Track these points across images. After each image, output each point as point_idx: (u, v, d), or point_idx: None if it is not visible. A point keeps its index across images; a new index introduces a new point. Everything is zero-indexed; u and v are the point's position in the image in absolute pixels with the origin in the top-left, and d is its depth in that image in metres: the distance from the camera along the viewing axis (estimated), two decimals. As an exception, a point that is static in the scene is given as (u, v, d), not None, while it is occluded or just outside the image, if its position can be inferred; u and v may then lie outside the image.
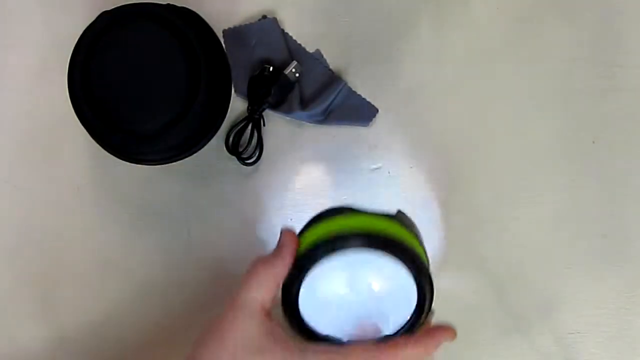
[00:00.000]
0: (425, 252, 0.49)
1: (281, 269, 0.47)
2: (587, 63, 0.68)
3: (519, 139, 0.68)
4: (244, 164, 0.67)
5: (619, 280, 0.66)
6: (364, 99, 0.68)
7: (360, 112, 0.68)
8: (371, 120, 0.68)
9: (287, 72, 0.66)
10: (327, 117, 0.67)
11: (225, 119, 0.65)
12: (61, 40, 0.63)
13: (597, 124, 0.67)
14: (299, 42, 0.68)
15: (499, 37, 0.69)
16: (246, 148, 0.67)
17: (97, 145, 0.62)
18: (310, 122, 0.68)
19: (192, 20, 0.62)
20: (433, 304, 0.48)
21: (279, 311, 0.48)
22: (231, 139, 0.67)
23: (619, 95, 0.67)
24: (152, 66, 0.59)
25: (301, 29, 0.69)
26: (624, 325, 0.65)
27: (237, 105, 0.68)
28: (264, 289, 0.47)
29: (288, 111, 0.67)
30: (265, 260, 0.48)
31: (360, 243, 0.46)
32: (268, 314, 0.48)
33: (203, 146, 0.64)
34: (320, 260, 0.46)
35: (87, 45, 0.60)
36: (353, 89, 0.68)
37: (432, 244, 0.65)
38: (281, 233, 0.49)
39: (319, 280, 0.47)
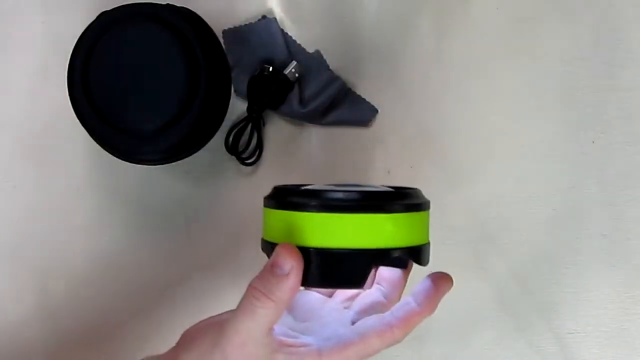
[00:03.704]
0: None
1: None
2: (587, 63, 0.68)
3: (519, 138, 0.68)
4: (243, 164, 0.67)
5: (619, 280, 0.66)
6: (363, 99, 0.68)
7: (360, 112, 0.68)
8: (371, 120, 0.68)
9: (287, 72, 0.66)
10: (327, 118, 0.67)
11: (225, 119, 0.65)
12: (61, 40, 0.63)
13: (597, 124, 0.67)
14: (298, 42, 0.68)
15: (499, 37, 0.68)
16: (246, 148, 0.67)
17: (97, 145, 0.62)
18: (310, 122, 0.68)
19: (192, 20, 0.61)
20: None
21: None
22: (231, 139, 0.67)
23: (619, 95, 0.67)
24: (152, 66, 0.59)
25: (301, 29, 0.69)
26: (624, 325, 0.65)
27: (237, 105, 0.68)
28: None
29: (288, 111, 0.67)
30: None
31: None
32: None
33: (203, 146, 0.64)
34: None
35: (87, 45, 0.60)
36: (353, 89, 0.68)
37: (431, 243, 0.65)
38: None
39: None
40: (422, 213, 0.48)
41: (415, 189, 0.49)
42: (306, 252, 0.44)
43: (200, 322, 0.49)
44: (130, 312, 0.67)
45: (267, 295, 0.44)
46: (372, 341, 0.46)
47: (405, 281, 0.51)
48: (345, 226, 0.44)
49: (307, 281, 0.45)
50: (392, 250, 0.45)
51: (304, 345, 0.45)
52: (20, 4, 0.70)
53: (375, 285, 0.51)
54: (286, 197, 0.47)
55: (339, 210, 0.44)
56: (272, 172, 0.68)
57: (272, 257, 0.45)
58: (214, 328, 0.47)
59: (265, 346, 0.44)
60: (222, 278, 0.67)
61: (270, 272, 0.44)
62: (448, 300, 0.65)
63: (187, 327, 0.50)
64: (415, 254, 0.47)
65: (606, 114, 0.67)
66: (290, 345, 0.45)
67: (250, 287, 0.45)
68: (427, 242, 0.49)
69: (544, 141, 0.67)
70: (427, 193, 0.67)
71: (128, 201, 0.68)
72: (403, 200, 0.47)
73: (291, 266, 0.44)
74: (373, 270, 0.49)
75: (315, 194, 0.46)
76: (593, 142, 0.67)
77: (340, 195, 0.45)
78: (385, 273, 0.51)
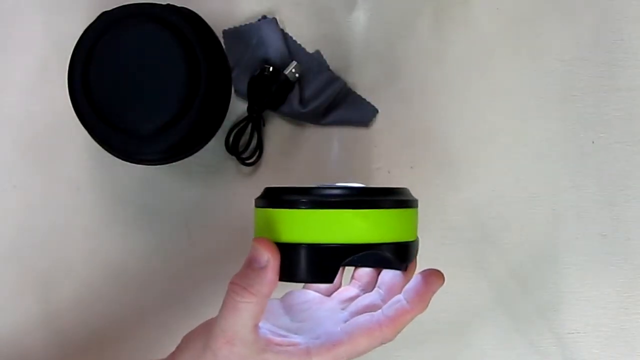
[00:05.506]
0: None
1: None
2: (587, 63, 0.68)
3: (519, 138, 0.68)
4: (243, 164, 0.67)
5: (618, 280, 0.66)
6: (364, 99, 0.68)
7: (360, 112, 0.68)
8: (371, 120, 0.68)
9: (287, 72, 0.66)
10: (327, 118, 0.67)
11: (225, 119, 0.65)
12: (61, 40, 0.63)
13: (597, 124, 0.67)
14: (299, 42, 0.68)
15: (499, 37, 0.69)
16: (246, 148, 0.67)
17: (97, 145, 0.62)
18: (310, 123, 0.68)
19: (192, 21, 0.61)
20: None
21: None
22: (231, 139, 0.67)
23: (619, 95, 0.67)
24: (152, 66, 0.59)
25: (301, 29, 0.69)
26: (624, 325, 0.66)
27: (237, 105, 0.68)
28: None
29: (288, 111, 0.67)
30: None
31: None
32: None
33: (203, 146, 0.64)
34: None
35: (87, 45, 0.60)
36: (353, 89, 0.68)
37: (431, 243, 0.65)
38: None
39: None
40: (387, 211, 0.47)
41: (397, 188, 0.49)
42: (280, 247, 0.46)
43: (199, 325, 0.49)
44: (130, 312, 0.67)
45: (247, 289, 0.45)
46: (360, 340, 0.46)
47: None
48: (306, 222, 0.46)
49: (281, 275, 0.46)
50: (357, 247, 0.45)
51: (293, 344, 0.46)
52: (20, 4, 0.70)
53: (375, 289, 0.51)
54: (264, 196, 0.48)
55: (300, 206, 0.46)
56: (272, 172, 0.68)
57: (249, 253, 0.46)
58: (205, 330, 0.47)
59: (252, 344, 0.45)
60: (223, 278, 0.66)
61: (248, 267, 0.45)
62: (448, 300, 0.65)
63: (187, 327, 0.50)
64: (389, 251, 0.46)
65: (606, 114, 0.67)
66: (279, 344, 0.45)
67: (231, 283, 0.46)
68: (399, 240, 0.47)
69: (544, 141, 0.67)
70: (427, 193, 0.67)
71: (128, 201, 0.68)
72: (369, 197, 0.47)
73: (267, 258, 0.45)
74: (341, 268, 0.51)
75: (283, 192, 0.47)
76: (593, 142, 0.67)
77: (305, 192, 0.47)
78: (386, 277, 0.51)
